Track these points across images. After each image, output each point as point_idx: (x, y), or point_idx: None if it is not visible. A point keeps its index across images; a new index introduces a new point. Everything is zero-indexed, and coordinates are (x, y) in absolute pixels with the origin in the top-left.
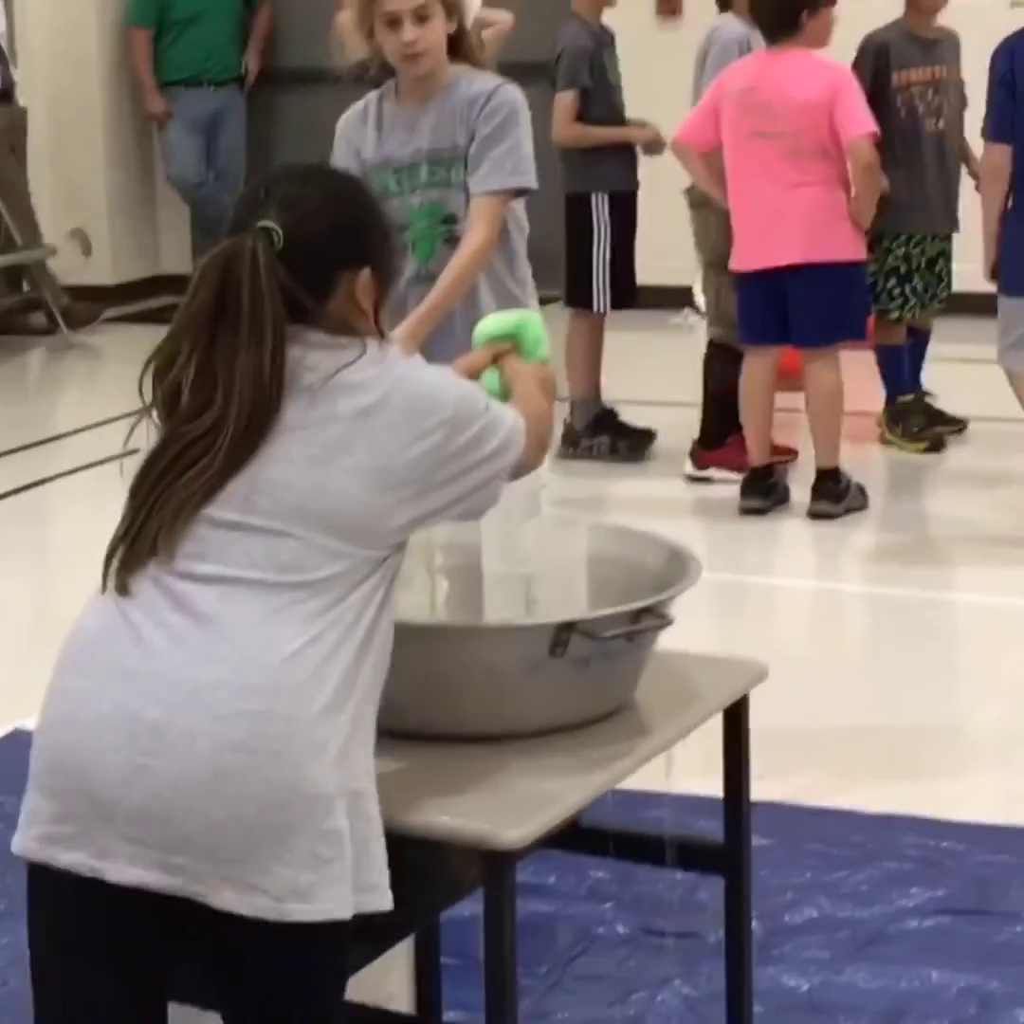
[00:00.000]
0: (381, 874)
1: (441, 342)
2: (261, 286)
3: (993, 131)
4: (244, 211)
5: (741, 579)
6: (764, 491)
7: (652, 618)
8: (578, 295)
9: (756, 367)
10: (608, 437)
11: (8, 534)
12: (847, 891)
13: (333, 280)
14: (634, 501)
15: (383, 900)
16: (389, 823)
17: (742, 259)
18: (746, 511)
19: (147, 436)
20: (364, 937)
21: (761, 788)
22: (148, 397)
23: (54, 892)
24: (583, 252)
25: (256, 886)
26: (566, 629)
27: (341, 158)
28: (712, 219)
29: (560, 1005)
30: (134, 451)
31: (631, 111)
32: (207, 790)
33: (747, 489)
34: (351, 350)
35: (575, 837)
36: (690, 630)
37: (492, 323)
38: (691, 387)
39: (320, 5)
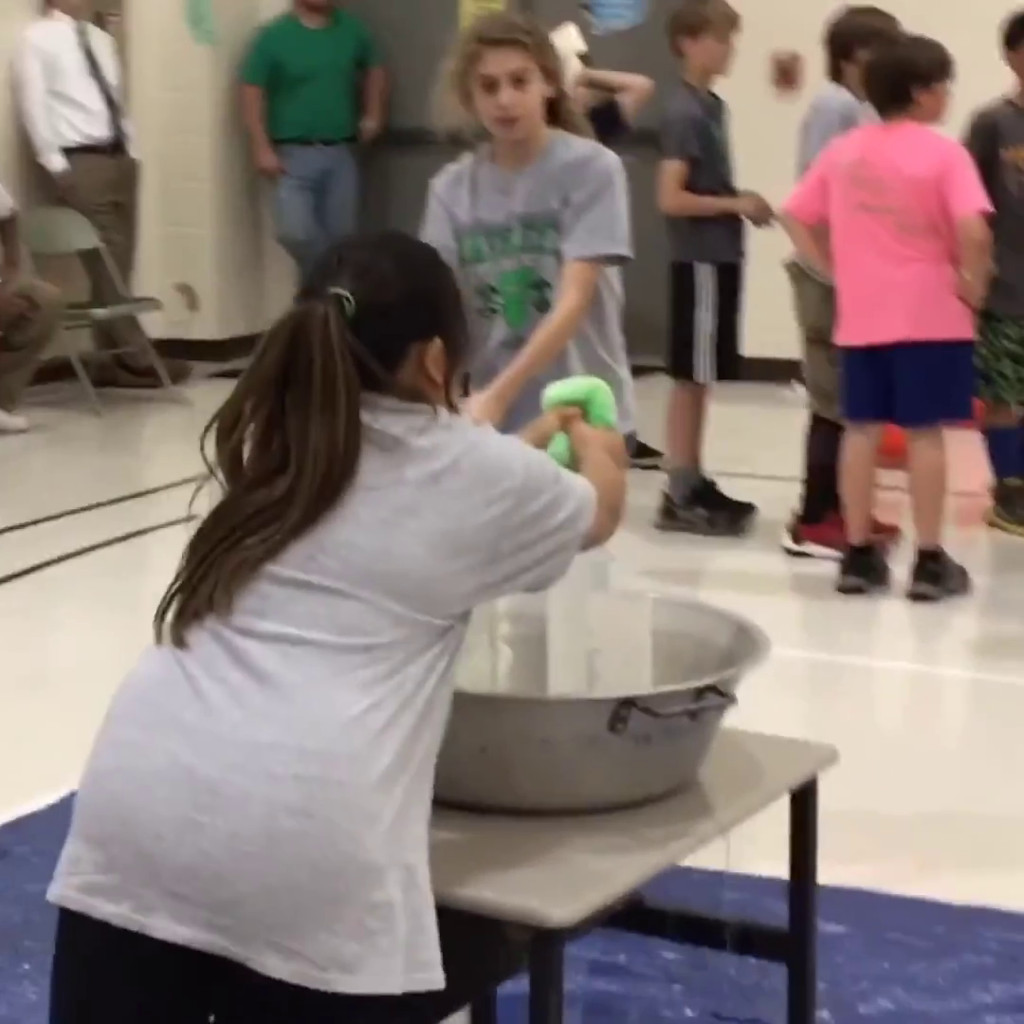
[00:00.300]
0: (433, 952)
1: (528, 407)
2: (333, 353)
3: None
4: (316, 277)
5: (836, 659)
6: (863, 570)
7: (715, 696)
8: (680, 365)
9: (858, 443)
10: (706, 509)
11: (101, 586)
12: (924, 983)
13: (404, 350)
14: (730, 575)
15: (435, 978)
16: (437, 895)
17: (847, 334)
18: (844, 589)
19: (209, 497)
20: (408, 1012)
21: (843, 872)
22: (211, 457)
23: (89, 943)
24: (686, 321)
25: (301, 953)
26: (626, 705)
27: (434, 219)
28: (812, 292)
29: None
30: (192, 516)
31: (744, 181)
32: (260, 853)
33: (846, 567)
34: (421, 415)
35: (638, 917)
36: (781, 709)
37: (560, 388)
38: (796, 461)
39: (434, 66)
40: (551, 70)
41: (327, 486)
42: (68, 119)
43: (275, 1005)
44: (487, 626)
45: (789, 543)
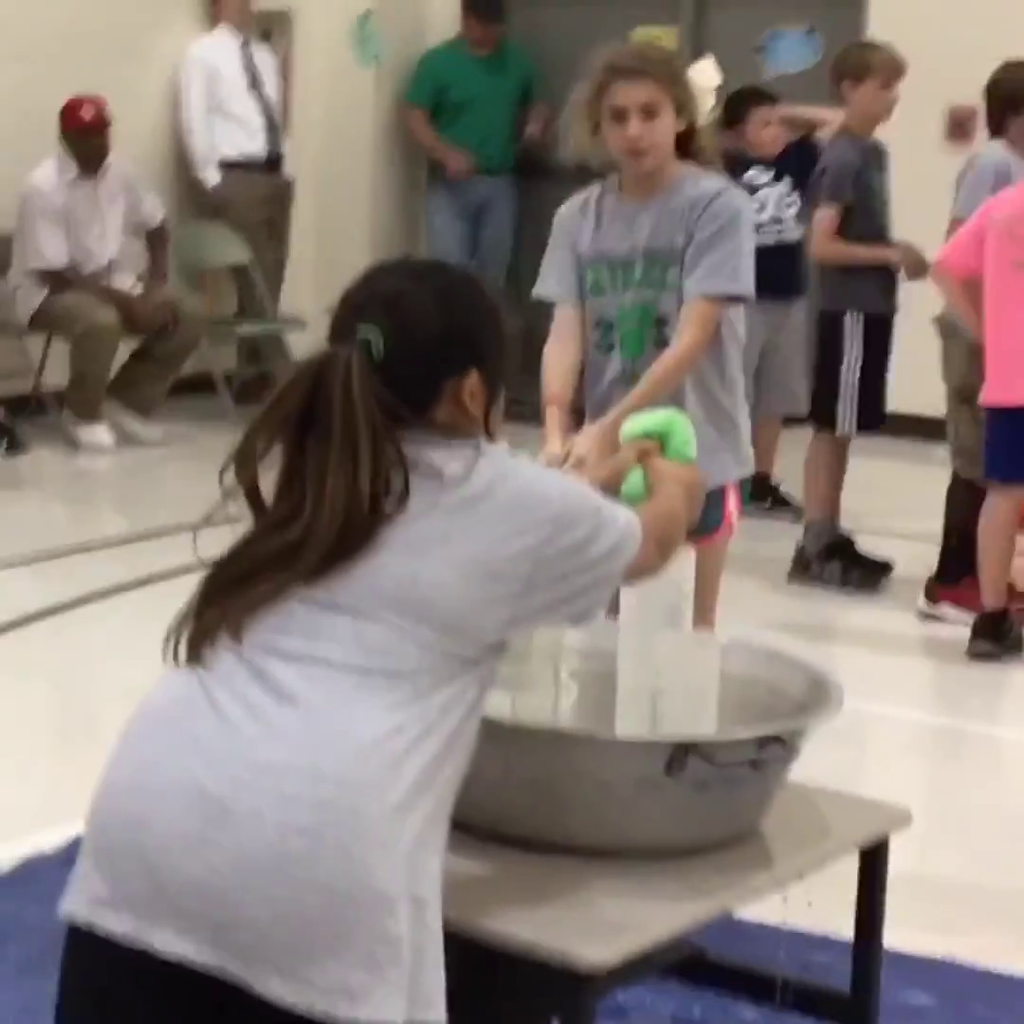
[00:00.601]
0: (437, 988)
1: None
2: (354, 403)
3: None
4: (346, 312)
5: (960, 725)
6: (996, 635)
7: (778, 748)
8: (823, 415)
9: (999, 506)
10: (841, 564)
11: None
12: None
13: (438, 388)
14: (859, 633)
15: (437, 1016)
16: (471, 928)
17: (994, 393)
18: (975, 655)
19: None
20: None
21: (939, 942)
22: (228, 491)
23: (94, 957)
24: (832, 371)
25: (306, 978)
26: (684, 749)
27: (557, 248)
28: (959, 349)
29: None
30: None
31: (909, 234)
32: (268, 873)
33: (978, 632)
34: (457, 446)
35: (697, 969)
36: (898, 771)
37: (640, 421)
38: (938, 521)
39: None
40: (683, 103)
41: (347, 530)
42: (227, 134)
43: None
44: (552, 660)
45: (924, 605)
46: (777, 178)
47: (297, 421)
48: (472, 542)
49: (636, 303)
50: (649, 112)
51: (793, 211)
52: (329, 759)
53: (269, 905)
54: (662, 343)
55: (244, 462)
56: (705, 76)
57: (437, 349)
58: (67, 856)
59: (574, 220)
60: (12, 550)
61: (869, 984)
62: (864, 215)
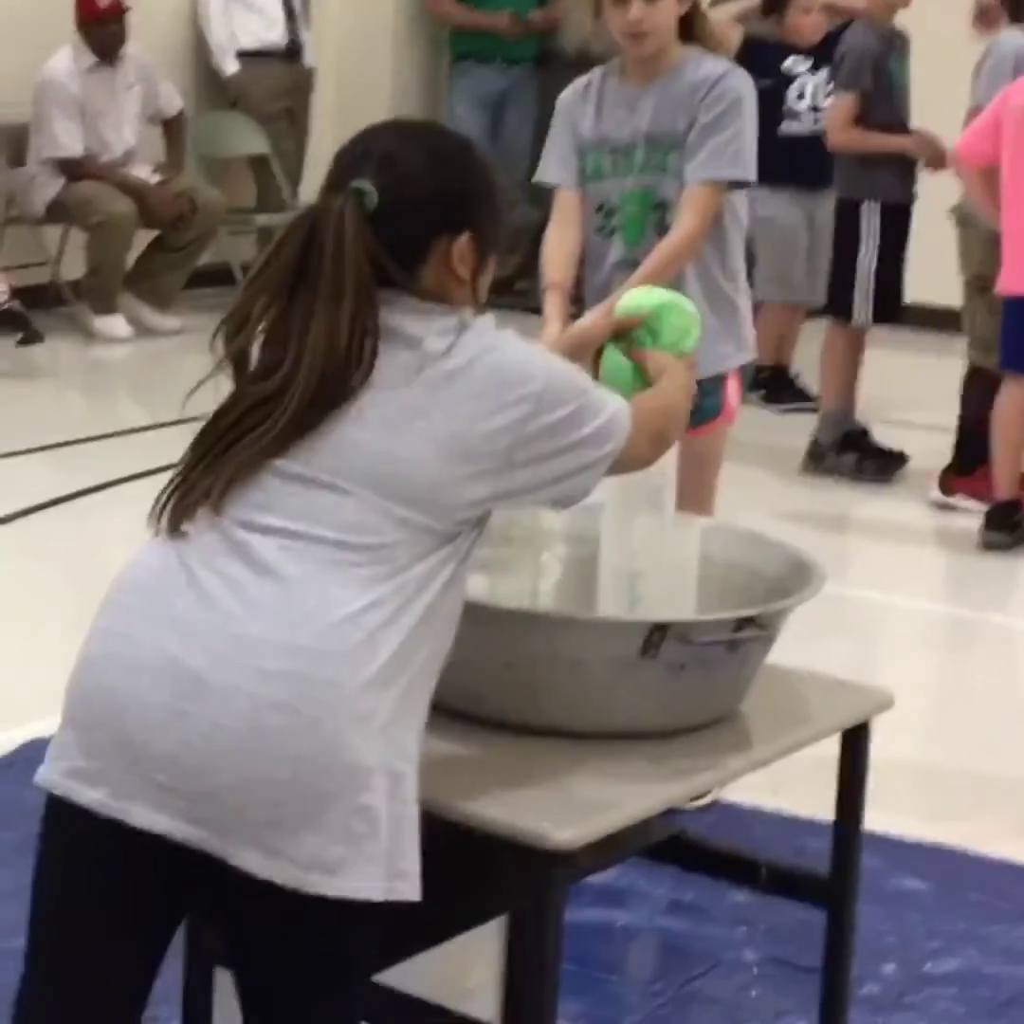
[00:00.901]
0: (413, 862)
1: None
2: (344, 250)
3: None
4: (341, 167)
5: (972, 615)
6: (1009, 526)
7: (754, 629)
8: (839, 305)
9: (1013, 396)
10: (855, 456)
11: None
12: (999, 946)
13: (427, 246)
14: (872, 523)
15: (412, 889)
16: (444, 808)
17: (1010, 282)
18: (987, 545)
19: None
20: (384, 920)
21: (930, 829)
22: (219, 355)
23: (69, 829)
24: (848, 261)
25: (282, 852)
26: (659, 630)
27: (558, 134)
28: (976, 238)
29: None
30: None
31: (931, 123)
32: (243, 746)
33: (990, 522)
34: (443, 315)
35: (675, 850)
36: (907, 661)
37: (635, 297)
38: (954, 412)
39: None
40: None
41: (326, 380)
42: (245, 23)
43: (254, 903)
44: (534, 543)
45: (938, 494)
46: (816, 67)
47: (291, 275)
48: (451, 418)
49: (637, 188)
50: None
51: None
52: (304, 634)
53: (242, 778)
54: (663, 229)
55: (239, 325)
56: None
57: (427, 206)
58: None
59: (575, 105)
60: (29, 439)
61: (848, 867)
62: (883, 103)
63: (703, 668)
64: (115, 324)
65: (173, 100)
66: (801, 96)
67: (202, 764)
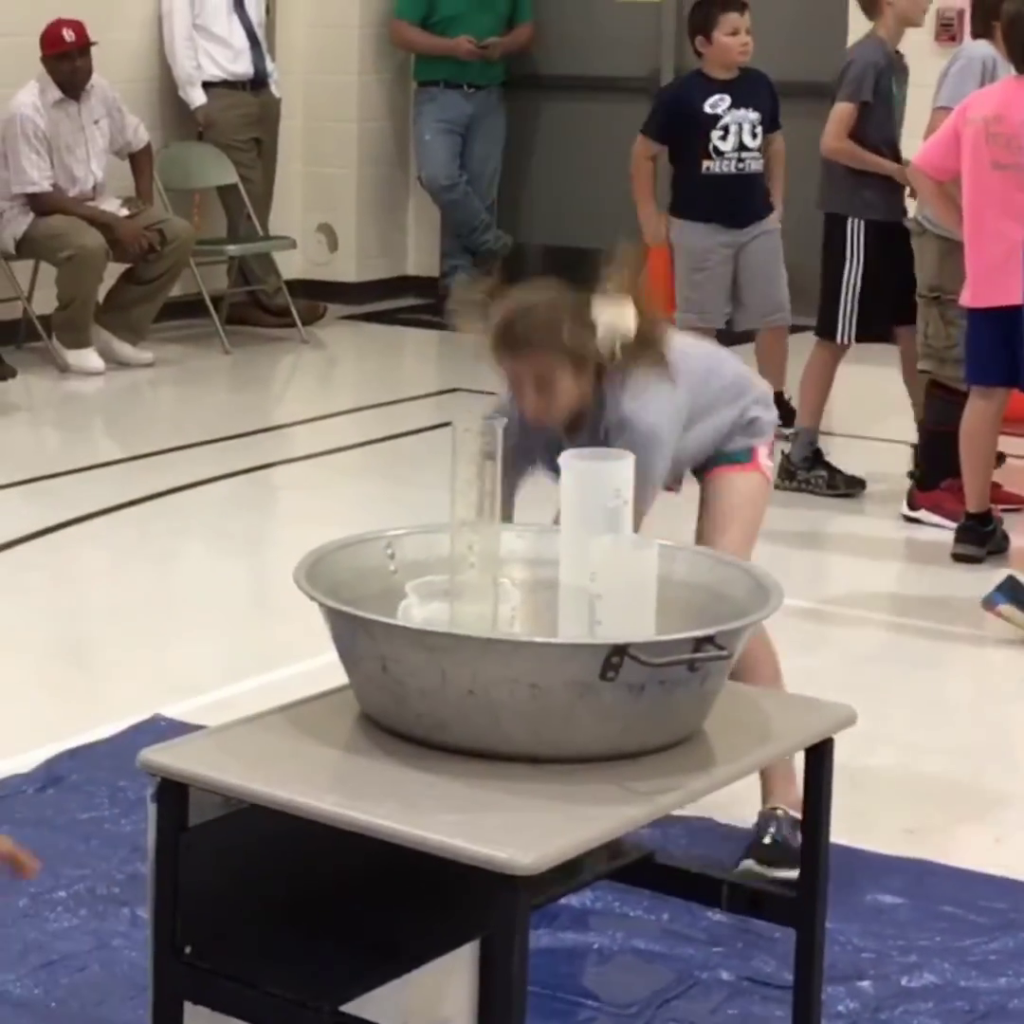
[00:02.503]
0: None
1: None
2: None
3: None
4: None
5: (944, 628)
6: (980, 539)
7: (713, 649)
8: (823, 322)
9: (981, 409)
10: (826, 471)
11: (219, 518)
12: (975, 960)
13: None
14: (844, 538)
15: None
16: (405, 838)
17: (975, 295)
18: (958, 558)
19: None
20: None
21: (905, 842)
22: None
23: None
24: (834, 278)
25: None
26: (618, 652)
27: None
28: (930, 249)
29: None
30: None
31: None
32: None
33: (962, 535)
34: None
35: (647, 873)
36: (882, 675)
37: None
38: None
39: (581, 14)
40: (584, 357)
41: None
42: (210, 54)
43: None
44: (493, 568)
45: (906, 510)
46: (738, 105)
47: None
48: None
49: None
50: (542, 384)
51: (758, 142)
52: None
53: None
54: None
55: None
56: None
57: None
58: (45, 777)
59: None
60: (3, 474)
61: (815, 883)
62: (876, 119)
63: (663, 688)
64: (88, 358)
65: (140, 133)
66: (725, 136)
67: None
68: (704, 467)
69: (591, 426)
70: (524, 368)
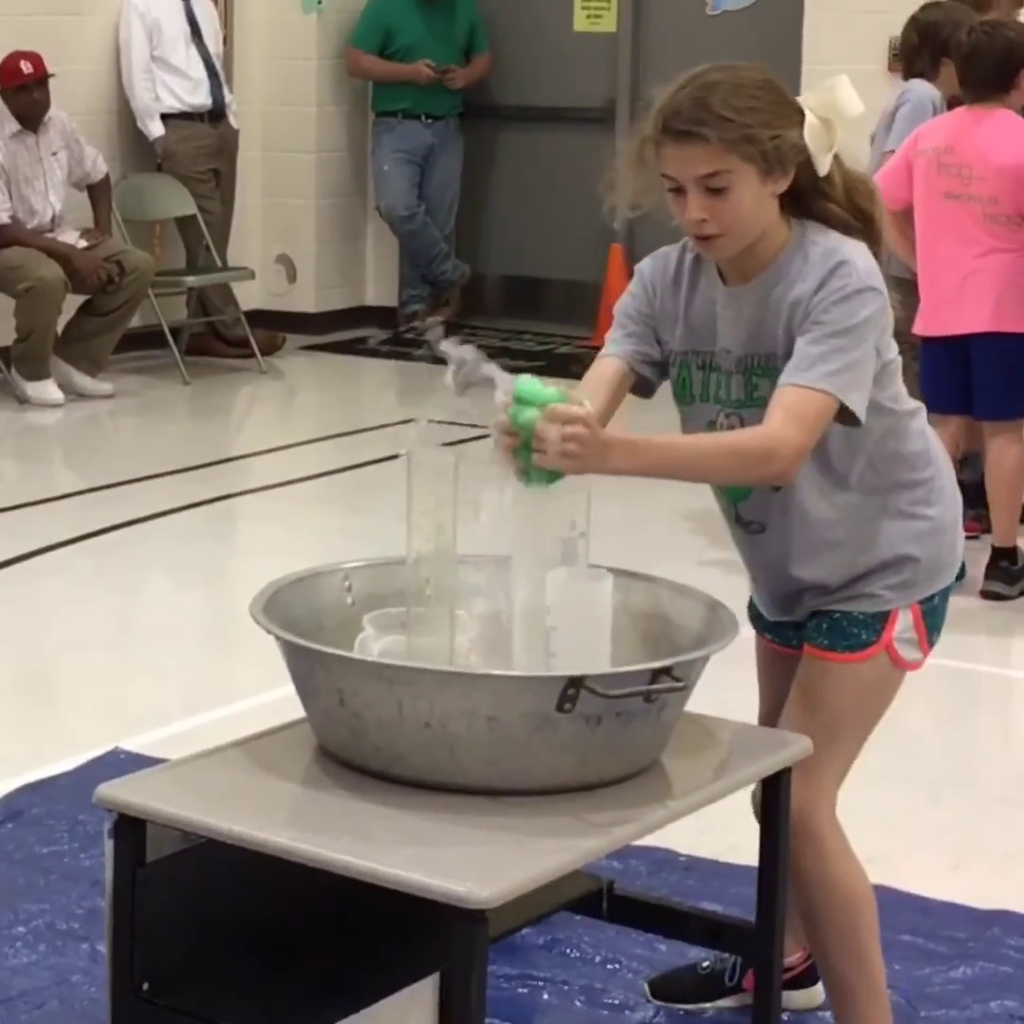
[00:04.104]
0: None
1: None
2: None
3: None
4: None
5: (961, 664)
6: (1010, 577)
7: (669, 680)
8: None
9: (999, 445)
10: None
11: (180, 549)
12: (933, 990)
13: None
14: None
15: None
16: (361, 872)
17: (927, 324)
18: (987, 595)
19: None
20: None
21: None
22: None
23: None
24: None
25: None
26: (574, 684)
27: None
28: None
29: None
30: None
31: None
32: None
33: (990, 572)
34: None
35: (609, 905)
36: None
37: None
38: None
39: (537, 44)
40: (773, 160)
41: None
42: (168, 86)
43: None
44: (450, 600)
45: None
46: None
47: None
48: None
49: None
50: (714, 186)
51: None
52: None
53: None
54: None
55: None
56: (843, 101)
57: None
58: (5, 811)
59: (661, 287)
60: None
61: (772, 916)
62: None
63: (620, 720)
64: (47, 389)
65: (98, 164)
66: None
67: None
68: (795, 624)
69: (762, 284)
70: (692, 166)
